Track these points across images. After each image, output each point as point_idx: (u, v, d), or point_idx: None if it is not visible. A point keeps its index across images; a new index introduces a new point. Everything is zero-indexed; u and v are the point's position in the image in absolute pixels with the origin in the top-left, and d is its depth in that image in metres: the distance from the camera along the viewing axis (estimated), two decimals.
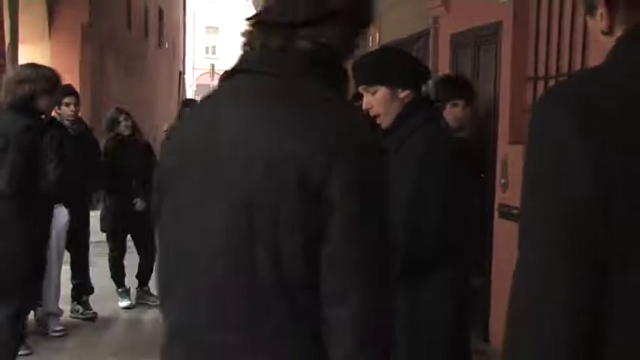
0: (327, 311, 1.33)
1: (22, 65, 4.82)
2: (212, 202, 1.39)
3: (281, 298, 1.34)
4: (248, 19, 1.56)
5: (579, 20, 4.37)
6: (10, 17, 6.31)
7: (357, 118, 1.58)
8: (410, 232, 2.41)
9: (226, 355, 1.39)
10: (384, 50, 3.10)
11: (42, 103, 4.17)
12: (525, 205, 1.36)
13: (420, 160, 2.46)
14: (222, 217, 1.36)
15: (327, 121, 1.35)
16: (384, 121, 2.61)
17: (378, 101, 2.58)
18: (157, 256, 1.61)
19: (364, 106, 2.63)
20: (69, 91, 5.92)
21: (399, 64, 2.62)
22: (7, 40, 6.15)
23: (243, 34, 1.56)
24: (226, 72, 1.58)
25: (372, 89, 2.58)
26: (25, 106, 4.08)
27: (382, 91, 2.57)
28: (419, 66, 2.71)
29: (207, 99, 1.59)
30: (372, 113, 2.61)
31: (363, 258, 1.33)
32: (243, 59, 1.55)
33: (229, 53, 41.29)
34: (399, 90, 2.56)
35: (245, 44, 1.56)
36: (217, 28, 45.48)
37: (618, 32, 1.35)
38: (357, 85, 2.66)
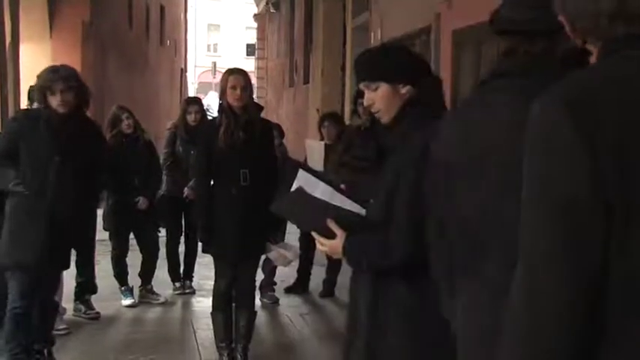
0: None
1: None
2: (508, 197, 1.61)
3: None
4: (498, 31, 1.67)
5: None
6: (11, 16, 6.31)
7: None
8: (412, 229, 2.40)
9: None
10: (385, 47, 3.09)
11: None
12: (526, 204, 1.38)
13: (421, 157, 2.45)
14: (514, 211, 1.47)
15: None
16: (385, 117, 2.60)
17: (379, 97, 2.57)
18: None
19: (365, 103, 2.63)
20: None
21: (400, 60, 2.62)
22: (8, 39, 6.14)
23: (505, 44, 1.76)
24: (487, 77, 1.89)
25: (373, 85, 2.57)
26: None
27: (383, 88, 2.56)
28: (420, 62, 2.70)
29: (473, 101, 1.78)
30: (372, 110, 2.61)
31: None
32: (504, 64, 1.74)
33: (230, 51, 41.45)
34: (400, 86, 2.56)
35: (506, 52, 1.74)
36: (219, 25, 45.49)
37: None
38: (359, 82, 2.65)
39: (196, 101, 7.01)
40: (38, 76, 4.48)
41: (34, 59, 9.70)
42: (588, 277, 1.33)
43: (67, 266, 4.78)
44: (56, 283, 4.81)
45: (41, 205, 4.31)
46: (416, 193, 2.41)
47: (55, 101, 4.33)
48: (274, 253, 4.91)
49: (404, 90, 2.56)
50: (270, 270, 6.55)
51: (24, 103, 6.92)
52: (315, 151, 6.62)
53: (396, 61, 2.60)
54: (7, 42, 6.08)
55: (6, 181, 4.40)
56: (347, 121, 7.62)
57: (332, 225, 2.48)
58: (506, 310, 1.44)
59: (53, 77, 4.33)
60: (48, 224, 4.30)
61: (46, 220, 4.31)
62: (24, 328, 4.39)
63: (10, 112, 6.67)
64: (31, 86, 6.24)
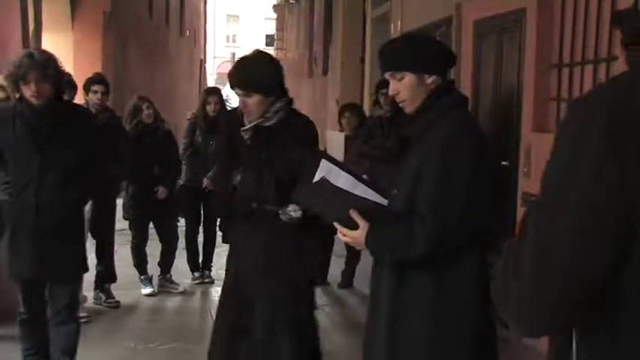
0: None
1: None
2: None
3: None
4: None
5: (606, 6, 4.31)
6: (34, 7, 6.34)
7: None
8: (436, 218, 2.39)
9: None
10: (410, 36, 3.10)
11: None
12: (551, 193, 1.34)
13: (445, 146, 2.44)
14: None
15: None
16: (410, 107, 2.60)
17: (404, 87, 2.57)
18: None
19: (390, 92, 2.62)
20: (97, 79, 5.97)
21: (426, 50, 2.61)
22: (31, 29, 6.17)
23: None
24: None
25: (398, 75, 2.57)
26: None
27: (409, 77, 2.56)
28: (445, 51, 2.70)
29: None
30: (397, 99, 2.61)
31: None
32: None
33: (249, 42, 41.44)
34: (426, 76, 2.55)
35: None
36: (238, 16, 45.50)
37: None
38: (383, 72, 2.65)
39: (216, 91, 7.01)
40: (13, 63, 3.93)
41: (56, 50, 9.72)
42: (587, 280, 1.31)
43: (74, 274, 4.17)
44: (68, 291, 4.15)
45: (27, 210, 3.87)
46: (441, 183, 2.41)
47: (28, 91, 3.79)
48: None
49: (430, 80, 2.56)
50: None
51: None
52: (335, 142, 6.61)
53: (422, 51, 2.59)
54: (30, 32, 6.11)
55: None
56: (366, 112, 7.60)
57: (355, 215, 2.47)
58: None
59: (28, 64, 3.77)
60: (36, 231, 3.88)
61: (32, 227, 3.88)
62: (32, 332, 4.16)
63: None
64: None
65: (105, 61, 11.23)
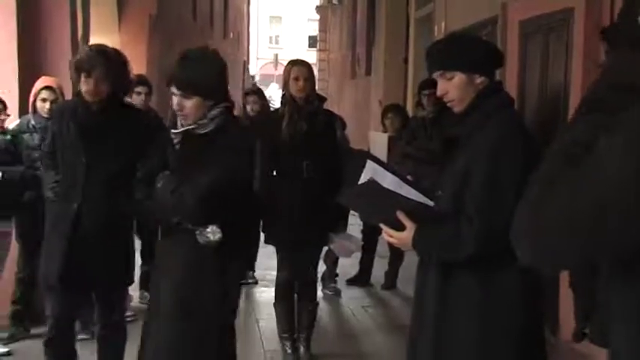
0: None
1: None
2: None
3: None
4: None
5: None
6: (83, 10, 6.46)
7: None
8: (484, 218, 2.38)
9: None
10: (460, 36, 3.07)
11: None
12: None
13: (494, 147, 2.42)
14: None
15: None
16: (458, 107, 2.58)
17: (453, 87, 2.55)
18: None
19: (438, 92, 2.60)
20: (141, 80, 6.06)
21: (476, 50, 2.60)
22: (80, 32, 6.29)
23: None
24: None
25: (448, 75, 2.55)
26: None
27: (459, 77, 2.54)
28: (494, 52, 2.68)
29: None
30: (446, 99, 2.59)
31: None
32: None
33: (292, 43, 41.61)
34: (476, 76, 2.54)
35: None
36: (280, 17, 45.70)
37: None
38: (432, 71, 2.62)
39: (255, 92, 7.05)
40: (83, 51, 3.89)
41: None
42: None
43: (114, 284, 3.92)
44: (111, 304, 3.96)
45: (67, 213, 3.68)
46: (489, 184, 2.39)
47: (86, 86, 3.65)
48: (337, 244, 4.92)
49: (479, 80, 2.54)
50: (332, 261, 6.57)
51: None
52: (378, 143, 6.60)
53: (472, 51, 2.58)
54: (79, 35, 6.24)
55: (45, 184, 4.03)
56: (409, 113, 7.57)
57: (402, 217, 2.46)
58: None
59: (95, 58, 3.64)
60: (71, 237, 3.64)
61: (68, 233, 3.65)
62: (57, 356, 3.86)
63: None
64: None
65: (150, 63, 11.36)
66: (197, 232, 3.11)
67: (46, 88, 4.96)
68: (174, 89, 3.16)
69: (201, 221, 3.11)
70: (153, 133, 4.18)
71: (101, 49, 3.76)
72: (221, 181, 3.07)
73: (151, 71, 10.53)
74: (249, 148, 3.36)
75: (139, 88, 5.95)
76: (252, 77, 23.09)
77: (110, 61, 3.67)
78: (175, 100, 3.16)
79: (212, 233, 3.10)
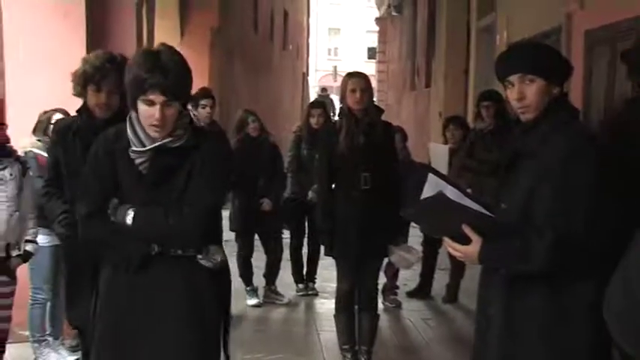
0: None
1: None
2: None
3: None
4: None
5: None
6: (147, 22, 6.62)
7: None
8: (555, 231, 2.33)
9: None
10: (537, 44, 3.01)
11: None
12: None
13: (564, 158, 2.37)
14: None
15: None
16: (531, 114, 2.52)
17: (532, 92, 2.50)
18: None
19: (515, 95, 2.52)
20: (205, 94, 6.16)
21: (557, 60, 2.59)
22: (145, 44, 6.44)
23: None
24: None
25: (528, 78, 2.50)
26: None
27: (539, 83, 2.49)
28: (568, 64, 2.65)
29: None
30: (521, 104, 2.52)
31: None
32: None
33: (351, 55, 41.70)
34: (553, 86, 2.50)
35: None
36: (339, 29, 45.84)
37: None
38: (510, 73, 2.54)
39: (320, 104, 7.09)
40: (86, 61, 3.37)
41: None
42: None
43: None
44: None
45: (84, 252, 3.04)
46: (561, 198, 2.35)
47: (95, 99, 3.26)
48: (396, 256, 4.89)
49: (555, 90, 2.51)
50: (392, 273, 6.54)
51: None
52: (438, 155, 6.55)
53: (552, 59, 2.56)
54: (144, 47, 6.41)
55: (53, 218, 3.53)
56: (470, 125, 7.50)
57: (468, 230, 2.43)
58: None
59: (107, 68, 3.24)
60: (95, 278, 2.91)
61: (91, 273, 2.95)
62: None
63: None
64: None
65: (212, 75, 11.53)
66: (200, 256, 2.73)
67: None
68: (157, 96, 2.55)
69: (203, 243, 2.74)
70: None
71: (111, 57, 3.34)
72: (221, 195, 2.93)
73: (213, 83, 10.68)
74: (228, 151, 3.15)
75: (203, 102, 6.06)
76: (325, 89, 23.11)
77: (121, 70, 3.03)
78: (152, 109, 2.56)
79: (217, 254, 2.79)
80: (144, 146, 2.66)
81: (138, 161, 2.67)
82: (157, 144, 2.65)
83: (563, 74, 2.57)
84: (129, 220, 2.64)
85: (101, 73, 3.27)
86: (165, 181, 2.66)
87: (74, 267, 3.46)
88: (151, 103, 2.57)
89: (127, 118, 2.69)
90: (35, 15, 5.46)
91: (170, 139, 2.65)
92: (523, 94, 2.51)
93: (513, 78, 2.52)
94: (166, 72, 2.55)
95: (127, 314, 2.72)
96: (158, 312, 2.69)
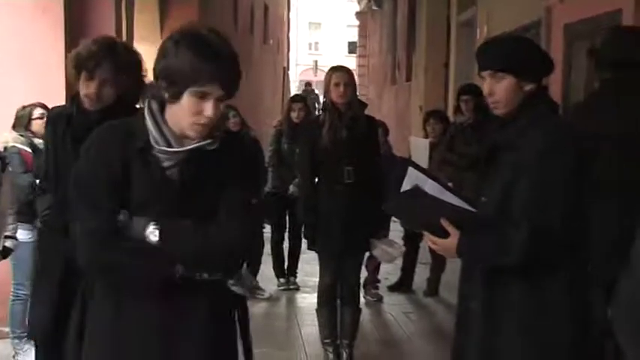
0: None
1: None
2: None
3: None
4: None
5: None
6: (127, 17, 6.56)
7: None
8: (531, 224, 2.34)
9: None
10: (517, 38, 2.99)
11: None
12: None
13: (541, 152, 2.39)
14: None
15: None
16: (502, 110, 2.53)
17: (501, 89, 2.50)
18: None
19: (485, 91, 2.55)
20: None
21: (531, 55, 2.55)
22: (124, 39, 6.39)
23: None
24: None
25: (499, 75, 2.51)
26: None
27: (508, 80, 2.49)
28: (546, 59, 2.63)
29: None
30: (491, 100, 2.54)
31: None
32: None
33: (332, 49, 41.68)
34: (525, 82, 2.50)
35: None
36: (320, 24, 45.80)
37: None
38: (482, 70, 2.56)
39: (300, 99, 7.08)
40: (84, 46, 2.99)
41: (146, 59, 10.04)
42: None
43: None
44: None
45: (57, 253, 2.85)
46: (538, 192, 2.36)
47: (85, 89, 2.89)
48: (379, 250, 4.90)
49: (528, 87, 2.50)
50: (373, 267, 6.55)
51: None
52: (419, 149, 6.57)
53: (526, 56, 2.53)
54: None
55: (39, 212, 3.24)
56: (451, 119, 7.52)
57: (446, 224, 2.44)
58: None
59: (101, 55, 2.87)
60: (63, 278, 2.80)
61: (59, 272, 2.84)
62: None
63: None
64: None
65: None
66: (232, 281, 2.33)
67: None
68: (211, 89, 2.12)
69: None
70: None
71: (109, 43, 2.97)
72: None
73: None
74: (262, 158, 2.62)
75: None
76: (309, 84, 23.02)
77: (119, 59, 2.89)
78: (204, 104, 2.13)
79: (247, 278, 2.34)
80: (170, 146, 2.16)
81: (166, 164, 2.17)
82: (196, 145, 2.16)
83: (538, 70, 2.55)
84: (153, 236, 2.11)
85: (96, 60, 2.85)
86: (198, 189, 2.18)
87: (43, 268, 3.13)
88: (204, 97, 2.11)
89: (146, 112, 2.18)
90: (13, 11, 5.39)
91: (209, 140, 2.18)
92: (493, 90, 2.52)
93: (485, 74, 2.54)
94: (228, 63, 2.14)
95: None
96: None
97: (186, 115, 2.13)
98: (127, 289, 2.17)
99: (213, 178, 2.20)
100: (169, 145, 2.16)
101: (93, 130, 2.33)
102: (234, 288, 2.33)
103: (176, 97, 2.12)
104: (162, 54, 2.16)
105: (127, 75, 2.90)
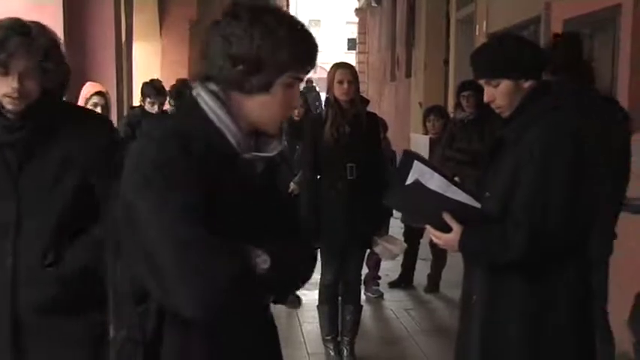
0: None
1: None
2: None
3: None
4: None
5: None
6: (126, 16, 6.57)
7: None
8: (532, 222, 2.35)
9: None
10: (504, 40, 2.97)
11: None
12: None
13: (541, 149, 2.39)
14: None
15: None
16: (507, 113, 2.56)
17: (500, 94, 2.52)
18: None
19: (486, 99, 2.58)
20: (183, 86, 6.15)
21: (522, 55, 2.55)
22: (123, 38, 6.39)
23: None
24: None
25: (494, 82, 2.52)
26: None
27: (505, 84, 2.51)
28: (540, 54, 2.64)
29: None
30: (494, 106, 2.57)
31: None
32: None
33: (331, 46, 41.70)
34: (523, 81, 2.51)
35: None
36: (319, 21, 45.79)
37: None
38: (477, 78, 2.60)
39: (300, 96, 7.07)
40: None
41: (146, 57, 10.09)
42: None
43: None
44: None
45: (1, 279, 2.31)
46: (539, 190, 2.36)
47: (4, 87, 2.22)
48: (380, 246, 4.90)
49: (526, 84, 2.51)
50: (374, 264, 6.55)
51: (136, 100, 7.18)
52: (420, 145, 6.57)
53: (518, 57, 2.54)
54: (122, 41, 6.36)
55: None
56: (451, 115, 7.52)
57: (448, 218, 2.44)
58: None
59: (14, 42, 2.20)
60: (14, 314, 2.30)
61: (8, 306, 2.30)
62: None
63: (125, 109, 6.94)
64: (144, 83, 6.47)
65: (191, 68, 11.48)
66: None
67: (97, 93, 5.00)
68: (304, 74, 1.84)
69: None
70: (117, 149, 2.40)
71: (21, 26, 2.27)
72: None
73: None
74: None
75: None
76: (311, 81, 22.94)
77: (38, 44, 2.25)
78: (294, 92, 1.80)
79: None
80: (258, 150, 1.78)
81: (259, 170, 1.79)
82: (280, 148, 1.81)
83: (533, 68, 2.55)
84: (264, 264, 1.70)
85: (8, 51, 2.19)
86: (269, 197, 1.83)
87: None
88: (293, 84, 1.77)
89: (209, 111, 1.73)
90: (10, 9, 5.39)
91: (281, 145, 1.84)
92: (493, 97, 2.54)
93: (481, 82, 2.57)
94: (315, 39, 1.86)
95: None
96: None
97: (277, 107, 1.74)
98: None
99: (278, 187, 1.91)
100: (257, 149, 1.76)
101: (17, 132, 2.05)
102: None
103: (265, 88, 1.72)
104: (235, 38, 1.75)
105: (50, 62, 2.28)
